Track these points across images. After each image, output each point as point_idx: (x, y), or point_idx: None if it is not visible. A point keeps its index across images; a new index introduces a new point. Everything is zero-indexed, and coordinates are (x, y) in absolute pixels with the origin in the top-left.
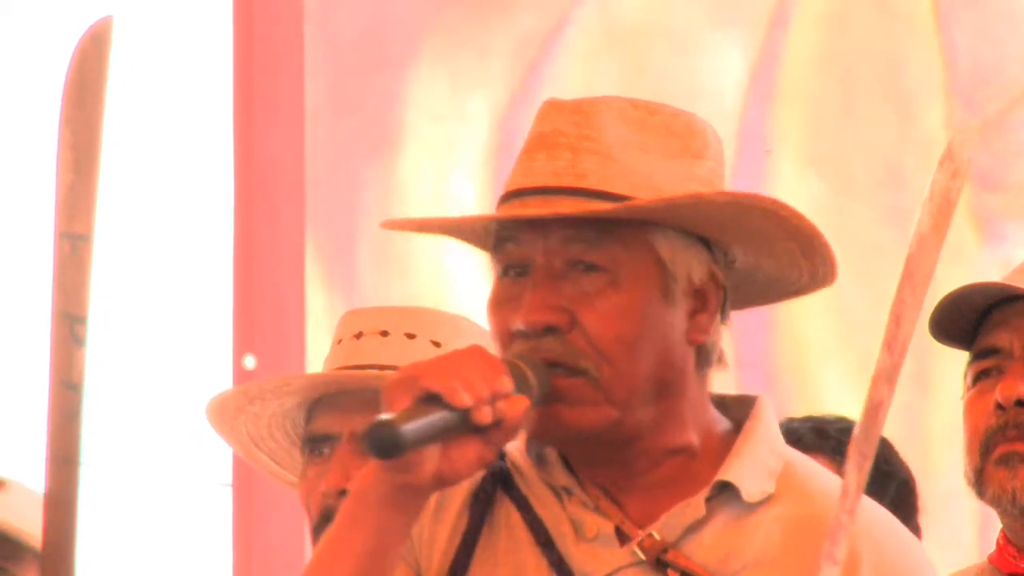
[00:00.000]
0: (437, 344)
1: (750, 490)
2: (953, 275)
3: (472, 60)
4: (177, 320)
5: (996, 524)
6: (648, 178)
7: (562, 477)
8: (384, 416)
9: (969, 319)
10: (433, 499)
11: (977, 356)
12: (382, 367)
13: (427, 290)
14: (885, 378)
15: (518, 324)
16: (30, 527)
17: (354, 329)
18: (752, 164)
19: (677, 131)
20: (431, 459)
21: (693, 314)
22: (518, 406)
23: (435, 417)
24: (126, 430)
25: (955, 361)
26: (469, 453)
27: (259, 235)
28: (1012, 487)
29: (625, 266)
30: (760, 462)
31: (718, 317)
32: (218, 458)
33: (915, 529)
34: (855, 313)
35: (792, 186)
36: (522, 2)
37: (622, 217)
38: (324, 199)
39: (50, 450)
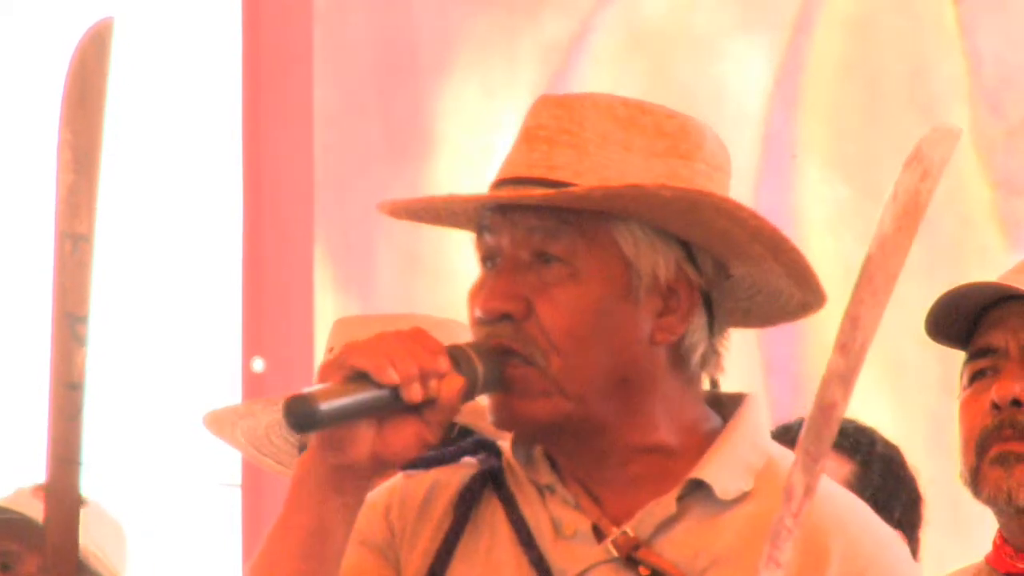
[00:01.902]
0: None
1: (725, 488)
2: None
3: (501, 67)
4: (186, 322)
5: None
6: (622, 174)
7: (545, 475)
8: (303, 390)
9: (966, 319)
10: (419, 496)
11: (973, 356)
12: None
13: (450, 293)
14: (839, 380)
15: (477, 311)
16: (93, 547)
17: (345, 339)
18: (777, 169)
19: (668, 132)
20: (365, 439)
21: (661, 314)
22: (452, 385)
23: (362, 394)
24: (136, 432)
25: None
26: (407, 433)
27: (267, 238)
28: (1007, 486)
29: (585, 259)
30: (738, 460)
31: (696, 319)
32: (227, 459)
33: (917, 542)
34: (883, 318)
35: (817, 191)
36: (548, 8)
37: (563, 205)
38: (335, 203)
39: (51, 450)
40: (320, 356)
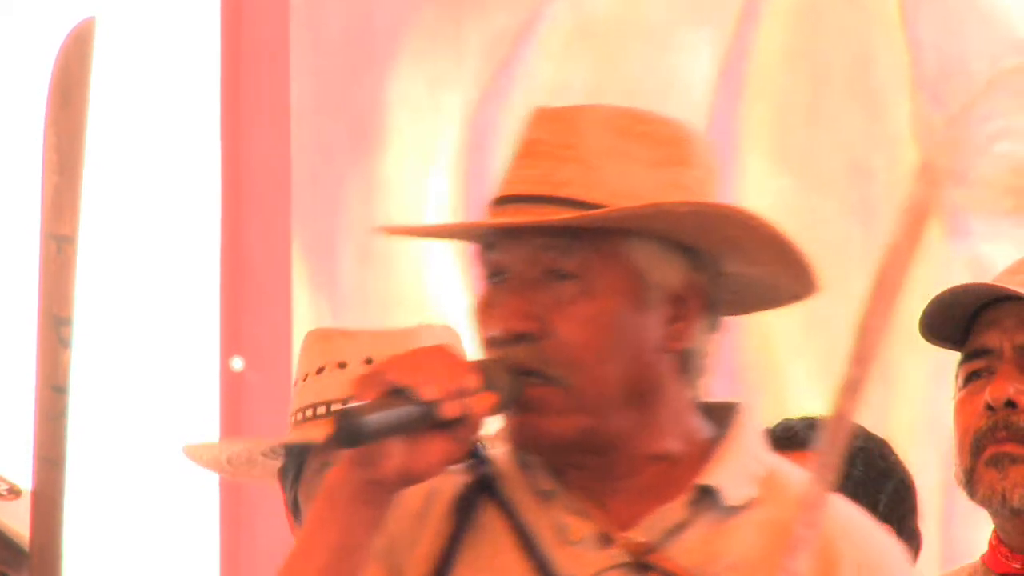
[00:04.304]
0: None
1: (731, 494)
2: (919, 270)
3: (449, 58)
4: (164, 322)
5: (960, 523)
6: (628, 186)
7: (547, 481)
8: (347, 406)
9: (960, 320)
10: (418, 503)
11: (968, 357)
12: None
13: (408, 290)
14: (851, 390)
15: (493, 331)
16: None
17: (338, 357)
18: (721, 160)
19: (665, 139)
20: (396, 455)
21: (671, 321)
22: (485, 402)
23: (400, 410)
24: (114, 432)
25: (918, 359)
26: (435, 449)
27: (246, 237)
28: (1002, 488)
29: (598, 274)
30: (742, 467)
31: (701, 325)
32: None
33: (912, 532)
34: (822, 309)
35: (760, 182)
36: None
37: (585, 226)
38: (309, 200)
39: (36, 451)
40: (298, 354)
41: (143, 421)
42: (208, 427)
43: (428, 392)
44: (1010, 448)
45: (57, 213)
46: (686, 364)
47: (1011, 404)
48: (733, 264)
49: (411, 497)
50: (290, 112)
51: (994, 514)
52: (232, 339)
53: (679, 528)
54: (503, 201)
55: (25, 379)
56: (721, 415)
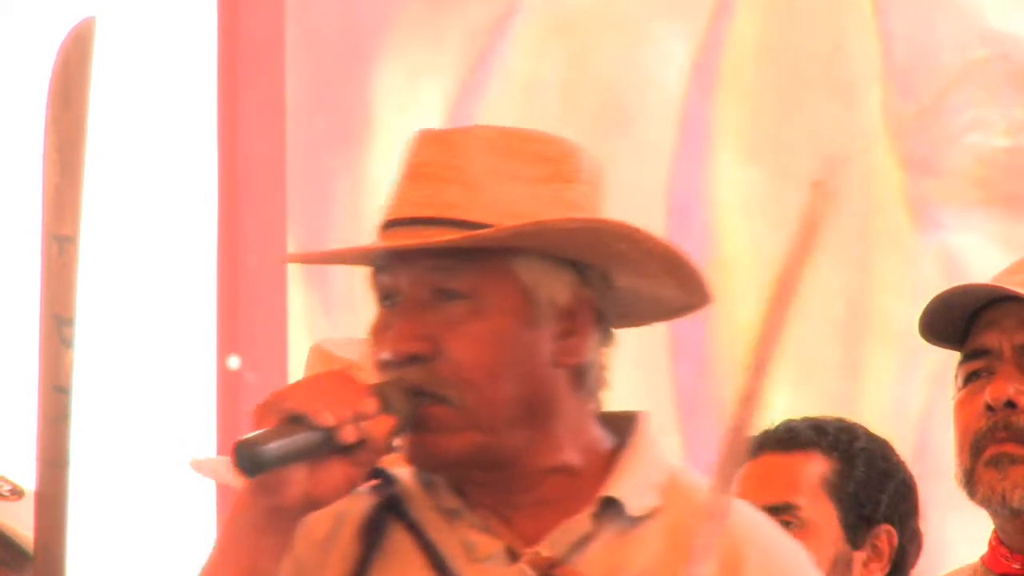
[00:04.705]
0: None
1: (634, 504)
2: (889, 262)
3: (429, 51)
4: (161, 322)
5: (930, 515)
6: (513, 205)
7: (451, 500)
8: (247, 435)
9: (960, 320)
10: (325, 527)
11: (967, 357)
12: None
13: None
14: (748, 400)
15: (386, 353)
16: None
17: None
18: (693, 152)
19: (548, 157)
20: (298, 481)
21: (562, 337)
22: (383, 426)
23: (298, 436)
24: (110, 431)
25: (885, 349)
26: (337, 474)
27: (242, 235)
28: (1002, 488)
29: (487, 293)
30: (643, 476)
31: (593, 339)
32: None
33: (914, 532)
34: (795, 302)
35: (733, 174)
36: None
37: (471, 246)
38: (305, 198)
39: (39, 453)
40: (294, 352)
41: (140, 420)
42: (205, 425)
43: (325, 418)
44: (1010, 448)
45: (58, 213)
46: (581, 378)
47: (1011, 404)
48: (623, 278)
49: (318, 521)
50: (285, 110)
51: (994, 514)
52: (228, 338)
53: (584, 541)
54: (391, 224)
55: (28, 380)
56: (622, 426)
